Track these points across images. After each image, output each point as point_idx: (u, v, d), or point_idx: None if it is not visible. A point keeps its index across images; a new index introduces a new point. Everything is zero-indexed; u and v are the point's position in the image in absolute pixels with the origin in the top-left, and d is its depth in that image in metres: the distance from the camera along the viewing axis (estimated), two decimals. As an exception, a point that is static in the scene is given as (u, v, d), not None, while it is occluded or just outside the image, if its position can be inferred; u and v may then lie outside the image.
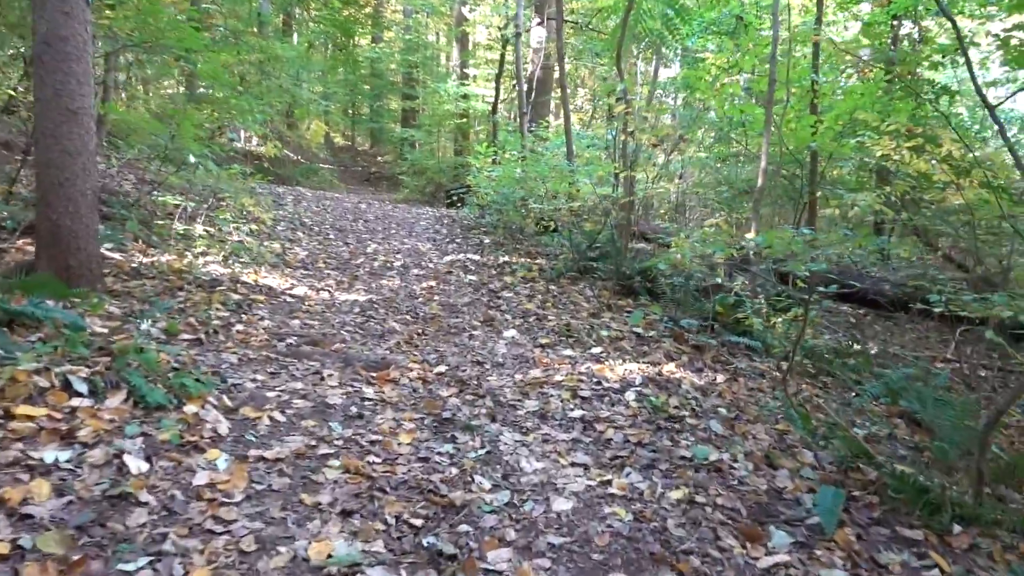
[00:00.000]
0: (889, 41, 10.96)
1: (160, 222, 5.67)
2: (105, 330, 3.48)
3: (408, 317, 5.39)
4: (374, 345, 4.58)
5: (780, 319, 5.17)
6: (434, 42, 26.33)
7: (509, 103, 22.85)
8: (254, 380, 3.57)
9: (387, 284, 6.39)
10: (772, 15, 7.27)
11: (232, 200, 7.22)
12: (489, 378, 4.16)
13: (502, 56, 17.77)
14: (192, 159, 5.72)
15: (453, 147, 22.01)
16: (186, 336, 3.98)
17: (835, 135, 8.41)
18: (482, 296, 6.18)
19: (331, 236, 8.55)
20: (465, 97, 18.88)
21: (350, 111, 25.81)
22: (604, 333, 5.28)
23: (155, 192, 6.27)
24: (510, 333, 5.12)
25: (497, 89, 17.55)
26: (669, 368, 4.57)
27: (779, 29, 7.34)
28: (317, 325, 4.84)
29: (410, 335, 4.92)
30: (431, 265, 7.33)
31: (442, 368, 4.24)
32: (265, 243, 7.13)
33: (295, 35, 23.80)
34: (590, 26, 17.61)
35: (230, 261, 5.82)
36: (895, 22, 10.55)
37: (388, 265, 7.18)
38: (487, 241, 8.96)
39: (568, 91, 9.82)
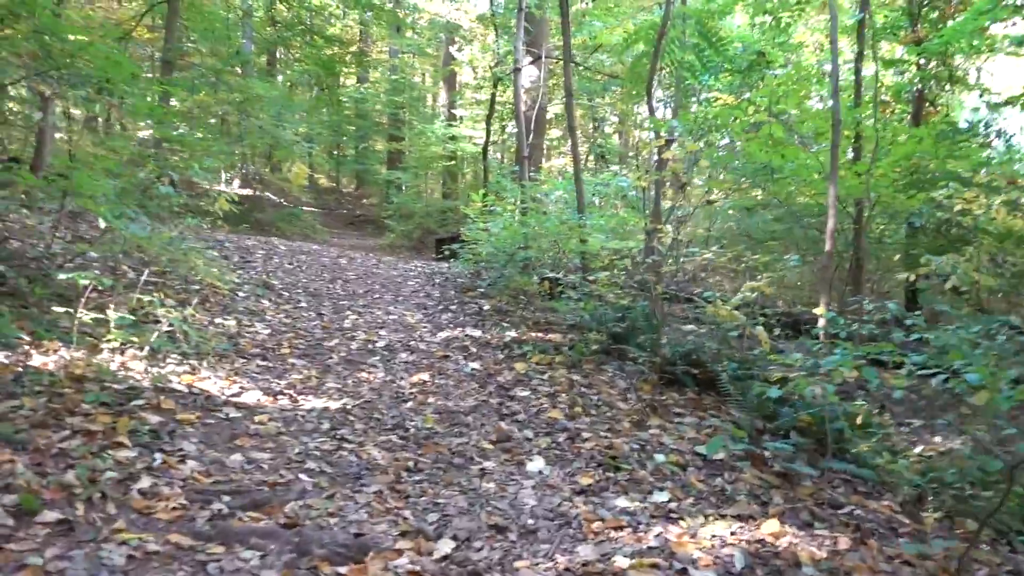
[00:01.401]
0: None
1: (58, 309, 4.27)
2: None
3: (395, 437, 3.99)
4: (346, 498, 3.17)
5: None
6: (420, 83, 25.44)
7: (499, 144, 21.85)
8: (141, 611, 2.16)
9: (367, 378, 4.99)
10: (831, 43, 6.13)
11: (177, 268, 5.82)
12: (518, 564, 2.76)
13: (492, 96, 16.88)
14: (102, 224, 4.34)
15: (441, 190, 20.97)
16: (50, 515, 2.56)
17: (890, 183, 7.30)
18: (491, 396, 4.80)
19: (302, 303, 7.16)
20: (453, 139, 17.86)
21: (335, 153, 24.65)
22: (660, 459, 3.91)
23: (61, 269, 4.85)
24: (536, 465, 3.73)
25: (488, 131, 16.53)
26: (770, 527, 3.20)
27: (838, 61, 6.18)
28: (267, 461, 3.44)
29: (397, 473, 3.52)
30: (422, 346, 5.95)
31: (447, 545, 2.83)
32: (216, 320, 5.73)
33: (279, 76, 22.77)
34: (585, 64, 16.66)
35: (159, 356, 4.42)
36: (921, 60, 9.77)
37: (369, 347, 5.79)
38: (487, 307, 7.61)
39: (577, 133, 8.59)
